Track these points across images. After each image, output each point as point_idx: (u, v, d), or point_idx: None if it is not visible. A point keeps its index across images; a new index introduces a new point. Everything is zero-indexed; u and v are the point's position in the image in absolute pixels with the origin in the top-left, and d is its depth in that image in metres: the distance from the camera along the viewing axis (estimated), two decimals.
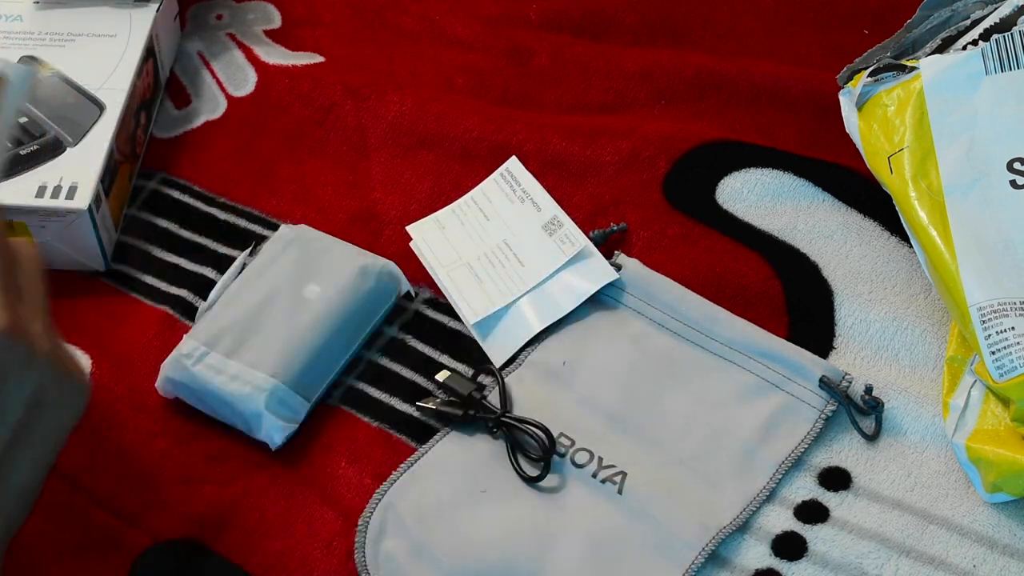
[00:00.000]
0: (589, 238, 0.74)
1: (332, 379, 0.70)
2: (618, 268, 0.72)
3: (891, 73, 0.72)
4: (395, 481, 0.65)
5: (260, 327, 0.69)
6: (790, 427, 0.66)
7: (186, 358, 0.68)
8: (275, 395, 0.67)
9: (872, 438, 0.66)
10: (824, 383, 0.67)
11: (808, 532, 0.63)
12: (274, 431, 0.67)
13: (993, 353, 0.63)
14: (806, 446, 0.66)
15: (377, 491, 0.65)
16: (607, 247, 0.74)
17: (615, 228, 0.75)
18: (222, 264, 0.76)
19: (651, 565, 0.62)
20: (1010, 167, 0.67)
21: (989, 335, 0.63)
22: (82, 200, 0.73)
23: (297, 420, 0.68)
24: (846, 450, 0.66)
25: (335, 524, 0.65)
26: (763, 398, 0.67)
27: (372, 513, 0.64)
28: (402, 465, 0.66)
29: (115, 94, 0.78)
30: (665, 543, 0.62)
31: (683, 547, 0.62)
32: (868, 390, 0.67)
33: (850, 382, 0.67)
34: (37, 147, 0.76)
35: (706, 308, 0.70)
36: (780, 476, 0.65)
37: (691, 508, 0.63)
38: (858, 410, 0.67)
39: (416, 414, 0.69)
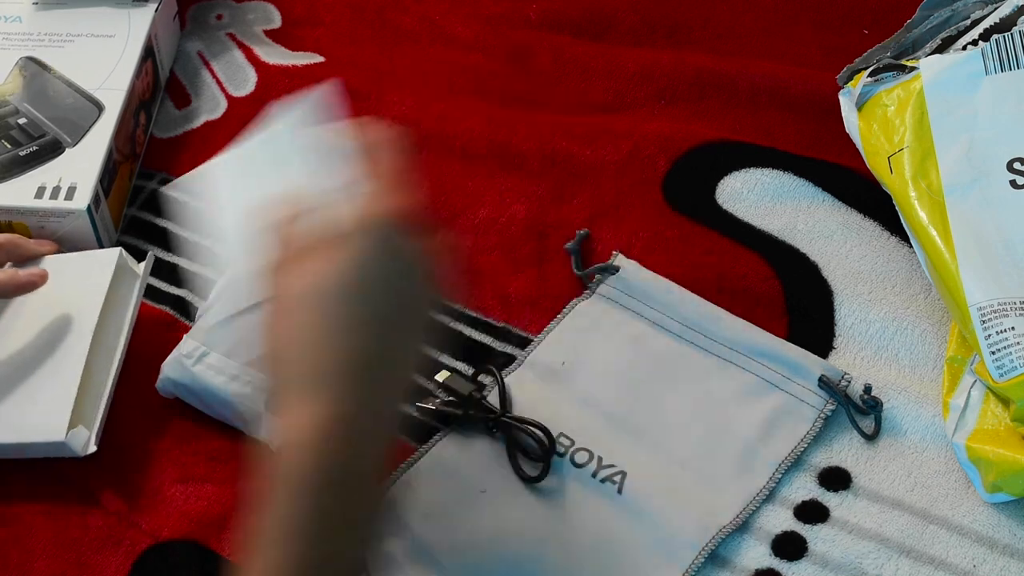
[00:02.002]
0: (567, 250, 0.73)
1: None
2: (616, 270, 0.72)
3: (891, 73, 0.72)
4: (395, 481, 0.65)
5: (260, 327, 0.69)
6: (790, 427, 0.66)
7: (186, 358, 0.68)
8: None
9: (871, 438, 0.66)
10: (823, 383, 0.67)
11: (808, 532, 0.63)
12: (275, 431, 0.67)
13: (993, 353, 0.63)
14: (805, 445, 0.66)
15: None
16: (587, 254, 0.74)
17: (582, 235, 0.75)
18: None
19: (651, 565, 0.62)
20: (1010, 167, 0.67)
21: (989, 335, 0.63)
22: (81, 200, 0.73)
23: None
24: (846, 450, 0.66)
25: None
26: (762, 398, 0.67)
27: None
28: (402, 465, 0.66)
29: (114, 94, 0.78)
30: (665, 543, 0.62)
31: (683, 547, 0.62)
32: (867, 390, 0.67)
33: (849, 382, 0.67)
34: (36, 148, 0.76)
35: (705, 308, 0.70)
36: (780, 476, 0.65)
37: (691, 508, 0.63)
38: (857, 410, 0.67)
39: (416, 414, 0.69)
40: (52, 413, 0.64)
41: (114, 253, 0.71)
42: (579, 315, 0.71)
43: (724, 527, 0.63)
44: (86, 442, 0.65)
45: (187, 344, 0.69)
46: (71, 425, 0.64)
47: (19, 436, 0.65)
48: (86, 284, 0.70)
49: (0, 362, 0.67)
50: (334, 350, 0.52)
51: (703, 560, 0.62)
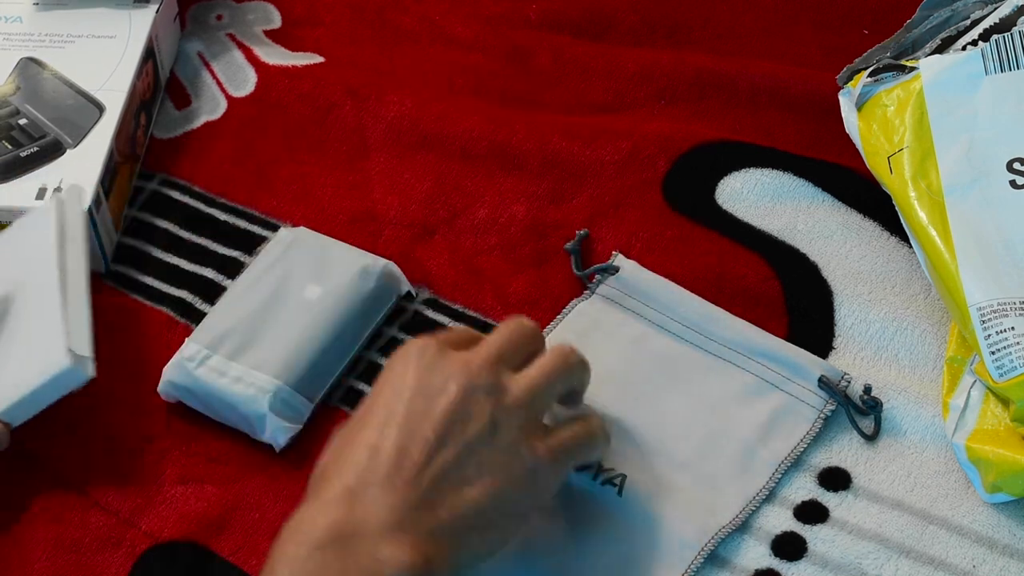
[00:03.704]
0: (567, 250, 0.74)
1: (334, 380, 0.70)
2: (616, 270, 0.72)
3: (891, 73, 0.72)
4: None
5: (262, 329, 0.69)
6: (789, 427, 0.66)
7: (188, 361, 0.68)
8: (278, 396, 0.67)
9: (871, 438, 0.66)
10: (823, 383, 0.67)
11: (808, 532, 0.63)
12: (278, 432, 0.67)
13: (993, 353, 0.63)
14: (805, 445, 0.66)
15: None
16: (587, 255, 0.74)
17: (582, 235, 0.74)
18: (223, 265, 0.76)
19: (651, 566, 0.62)
20: (1010, 167, 0.67)
21: (989, 335, 0.63)
22: (82, 201, 0.73)
23: (301, 421, 0.68)
24: (846, 450, 0.66)
25: None
26: (762, 398, 0.67)
27: None
28: None
29: (115, 95, 0.79)
30: (665, 544, 0.62)
31: (682, 547, 0.62)
32: (867, 390, 0.67)
33: (849, 382, 0.67)
34: (37, 149, 0.76)
35: (705, 309, 0.70)
36: (779, 476, 0.65)
37: (690, 509, 0.63)
38: (857, 410, 0.67)
39: None
40: (48, 352, 0.66)
41: (50, 204, 0.72)
42: (579, 315, 0.71)
43: (723, 527, 0.63)
44: (87, 363, 0.66)
45: (189, 347, 0.69)
46: (70, 352, 0.66)
47: (27, 385, 0.66)
48: (35, 239, 0.71)
49: None
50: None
51: (702, 560, 0.62)
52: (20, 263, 0.71)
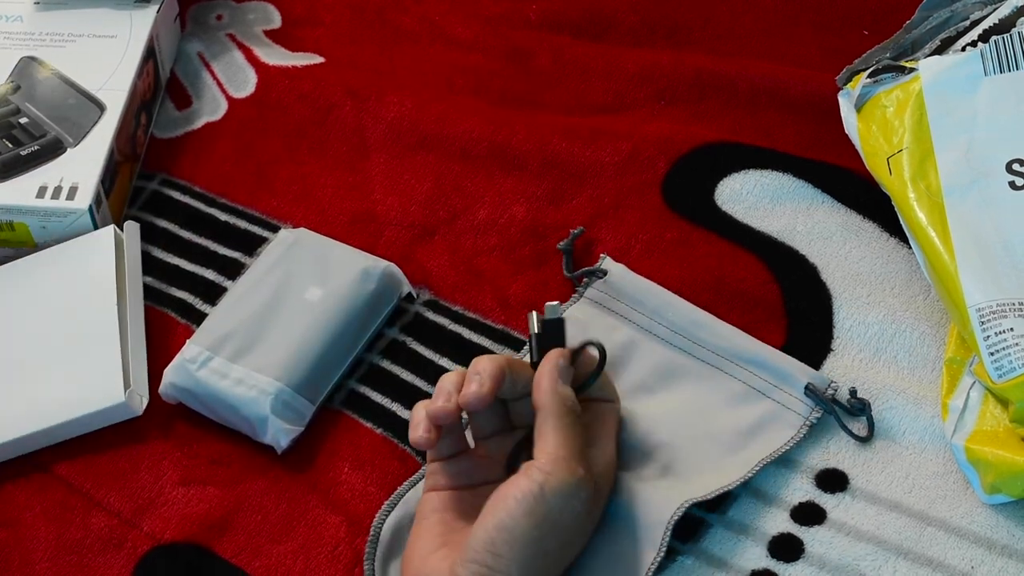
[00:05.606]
0: (560, 249, 0.74)
1: (336, 382, 0.70)
2: (604, 273, 0.72)
3: (890, 74, 0.72)
4: (402, 495, 0.65)
5: (263, 331, 0.69)
6: (774, 434, 0.65)
7: (190, 363, 0.68)
8: (280, 398, 0.67)
9: (865, 439, 0.66)
10: (810, 391, 0.66)
11: (805, 534, 0.63)
12: (280, 434, 0.67)
13: (992, 354, 0.63)
14: (787, 448, 0.65)
15: (385, 505, 0.64)
16: (586, 256, 0.74)
17: (576, 233, 0.74)
18: (223, 266, 0.76)
19: (626, 548, 0.61)
20: (1009, 168, 0.67)
21: (988, 336, 0.63)
22: (82, 201, 0.74)
23: (302, 423, 0.68)
24: (843, 452, 0.66)
25: (339, 530, 0.65)
26: (749, 406, 0.66)
27: (380, 530, 0.64)
28: (409, 480, 0.66)
29: (116, 95, 0.79)
30: (638, 529, 0.61)
31: (653, 526, 0.61)
32: (852, 392, 0.66)
33: (836, 389, 0.67)
34: (38, 148, 0.76)
35: (694, 315, 0.70)
36: (757, 470, 0.64)
37: (666, 499, 0.62)
38: (847, 413, 0.67)
39: None
40: (105, 381, 0.68)
41: (109, 232, 0.73)
42: (568, 320, 0.70)
43: (687, 501, 0.62)
44: (140, 400, 0.68)
45: (190, 349, 0.69)
46: (124, 387, 0.68)
47: (80, 410, 0.68)
48: (92, 265, 0.72)
49: (37, 353, 0.70)
50: None
51: (671, 534, 0.61)
52: (76, 285, 0.72)
